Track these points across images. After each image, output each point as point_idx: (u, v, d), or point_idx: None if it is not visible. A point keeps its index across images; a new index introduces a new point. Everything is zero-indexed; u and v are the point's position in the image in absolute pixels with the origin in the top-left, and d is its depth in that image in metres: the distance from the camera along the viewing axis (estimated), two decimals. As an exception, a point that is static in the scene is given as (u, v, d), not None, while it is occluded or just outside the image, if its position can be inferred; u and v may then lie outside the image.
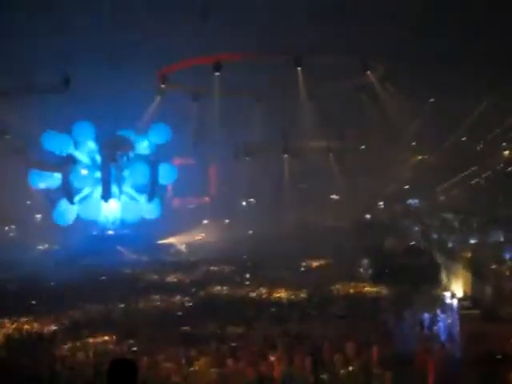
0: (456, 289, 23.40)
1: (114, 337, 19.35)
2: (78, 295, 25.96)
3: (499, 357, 14.87)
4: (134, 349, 17.91)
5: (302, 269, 32.69)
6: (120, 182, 38.73)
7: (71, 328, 20.74)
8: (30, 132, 36.73)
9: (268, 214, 42.06)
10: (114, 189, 38.25)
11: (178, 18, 33.98)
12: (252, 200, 45.52)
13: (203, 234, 43.47)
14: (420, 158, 44.97)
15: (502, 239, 27.92)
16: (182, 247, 40.57)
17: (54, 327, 20.92)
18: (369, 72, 36.22)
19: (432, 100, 39.03)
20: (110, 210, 38.63)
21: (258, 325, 20.28)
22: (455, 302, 20.54)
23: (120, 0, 33.76)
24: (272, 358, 15.67)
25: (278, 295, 26.54)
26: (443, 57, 33.94)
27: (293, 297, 25.99)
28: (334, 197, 45.17)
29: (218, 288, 28.40)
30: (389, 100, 36.87)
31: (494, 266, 22.76)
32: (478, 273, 22.63)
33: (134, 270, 32.80)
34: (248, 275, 30.73)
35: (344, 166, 41.99)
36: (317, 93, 37.46)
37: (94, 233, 39.31)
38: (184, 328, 20.41)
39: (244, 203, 44.77)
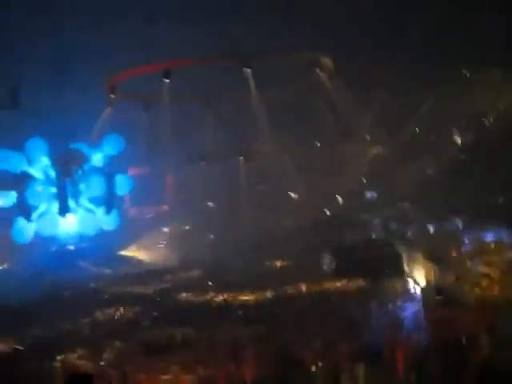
0: (418, 278, 23.66)
1: (82, 352, 19.15)
2: (42, 313, 25.65)
3: (463, 341, 15.09)
4: (102, 363, 17.78)
5: (265, 270, 32.70)
6: (76, 195, 38.42)
7: (37, 347, 20.44)
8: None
9: (228, 217, 42.03)
10: (71, 203, 37.94)
11: (127, 27, 33.86)
12: (211, 205, 45.39)
13: (164, 242, 43.26)
14: (375, 151, 45.33)
15: (460, 227, 28.27)
16: (144, 257, 40.34)
17: (17, 347, 20.55)
18: (318, 69, 36.46)
19: (382, 92, 39.42)
20: (68, 225, 38.28)
21: (226, 329, 20.24)
22: (418, 290, 20.80)
23: (68, 12, 33.50)
24: (242, 361, 15.66)
25: (244, 298, 26.53)
26: (392, 47, 34.28)
27: (258, 298, 26.02)
28: (292, 195, 45.27)
29: (183, 295, 28.29)
30: (339, 96, 37.11)
31: (454, 254, 23.04)
32: (438, 261, 22.90)
33: (97, 283, 32.47)
34: (211, 280, 30.64)
35: (300, 165, 42.18)
36: (267, 93, 37.59)
37: (54, 249, 38.85)
38: (152, 337, 20.30)
39: (203, 208, 44.58)
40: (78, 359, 18.43)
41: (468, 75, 37.32)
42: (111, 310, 26.23)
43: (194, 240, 41.04)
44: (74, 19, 33.87)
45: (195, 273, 33.15)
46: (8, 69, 33.01)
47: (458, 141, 43.40)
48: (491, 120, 41.08)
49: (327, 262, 30.16)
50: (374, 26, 33.49)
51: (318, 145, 44.36)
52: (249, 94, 37.53)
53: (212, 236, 42.42)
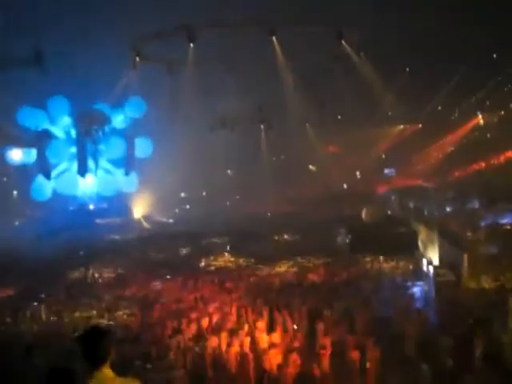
0: (432, 256, 23.73)
1: (95, 312, 19.47)
2: (58, 269, 26.10)
3: (472, 322, 15.16)
4: (111, 323, 18.10)
5: (280, 239, 32.93)
6: (96, 156, 38.58)
7: (52, 302, 20.77)
8: (4, 108, 36.32)
9: (245, 185, 42.20)
10: (91, 163, 38.13)
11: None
12: (229, 172, 45.60)
13: (183, 207, 43.58)
14: (396, 127, 45.22)
15: (477, 206, 28.25)
16: (160, 221, 40.64)
17: (34, 303, 20.86)
18: (343, 42, 36.21)
19: (407, 69, 39.12)
20: (87, 185, 38.53)
21: (237, 295, 20.41)
22: (431, 269, 20.87)
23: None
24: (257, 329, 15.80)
25: (258, 265, 26.77)
26: (418, 27, 33.90)
27: (271, 268, 26.23)
28: (311, 167, 45.36)
29: (200, 260, 28.66)
30: (364, 70, 36.90)
31: (469, 234, 23.05)
32: (453, 240, 22.92)
33: (113, 244, 32.85)
34: (228, 247, 30.99)
35: (321, 137, 42.17)
36: (292, 62, 37.41)
37: (71, 208, 39.15)
38: (163, 301, 20.54)
39: (221, 175, 44.76)
40: (91, 317, 18.77)
41: (495, 57, 36.95)
42: (126, 271, 26.64)
43: (210, 206, 41.32)
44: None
45: (210, 240, 33.45)
46: (34, 28, 32.94)
47: (481, 121, 43.24)
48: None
49: (342, 236, 30.33)
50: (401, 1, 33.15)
51: (339, 117, 44.23)
52: (273, 62, 37.38)
53: (228, 203, 42.68)
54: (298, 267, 25.87)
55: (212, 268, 27.12)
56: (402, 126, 44.90)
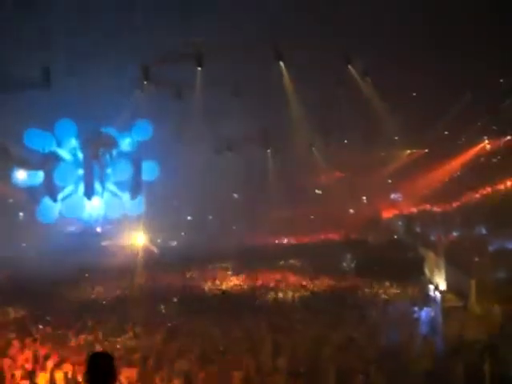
0: (439, 281, 23.61)
1: (100, 334, 19.37)
2: (64, 292, 26.05)
3: (480, 347, 15.04)
4: (118, 346, 17.98)
5: (285, 264, 32.83)
6: (103, 179, 38.55)
7: (58, 325, 20.66)
8: (11, 129, 36.42)
9: (252, 209, 42.11)
10: (97, 186, 38.12)
11: (161, 12, 33.87)
12: (235, 195, 45.51)
13: (189, 230, 43.48)
14: (403, 152, 45.13)
15: (484, 231, 28.15)
16: (166, 243, 40.53)
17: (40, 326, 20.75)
18: (350, 66, 36.31)
19: (414, 94, 39.10)
20: (94, 207, 38.49)
21: (245, 318, 20.34)
22: (438, 294, 20.76)
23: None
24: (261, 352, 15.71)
25: (263, 289, 26.68)
26: (422, 50, 33.99)
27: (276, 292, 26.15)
28: (317, 192, 45.24)
29: (206, 283, 28.61)
30: (370, 94, 36.92)
31: (476, 259, 22.95)
32: (461, 265, 22.82)
33: (119, 266, 32.76)
34: (233, 271, 30.94)
35: (327, 161, 42.11)
36: (299, 87, 37.47)
37: (77, 230, 39.03)
38: (170, 324, 20.45)
39: (228, 199, 44.68)
40: (97, 340, 18.65)
41: (501, 82, 36.93)
42: (131, 294, 26.55)
43: (216, 230, 41.24)
44: (110, 3, 33.87)
45: (215, 265, 33.37)
46: (41, 50, 33.07)
47: (487, 146, 43.18)
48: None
49: (348, 261, 30.22)
50: (406, 28, 33.20)
51: (345, 141, 44.17)
52: (279, 86, 37.42)
53: (234, 227, 42.57)
54: (304, 292, 25.79)
55: (218, 291, 27.05)
56: (408, 151, 44.81)
